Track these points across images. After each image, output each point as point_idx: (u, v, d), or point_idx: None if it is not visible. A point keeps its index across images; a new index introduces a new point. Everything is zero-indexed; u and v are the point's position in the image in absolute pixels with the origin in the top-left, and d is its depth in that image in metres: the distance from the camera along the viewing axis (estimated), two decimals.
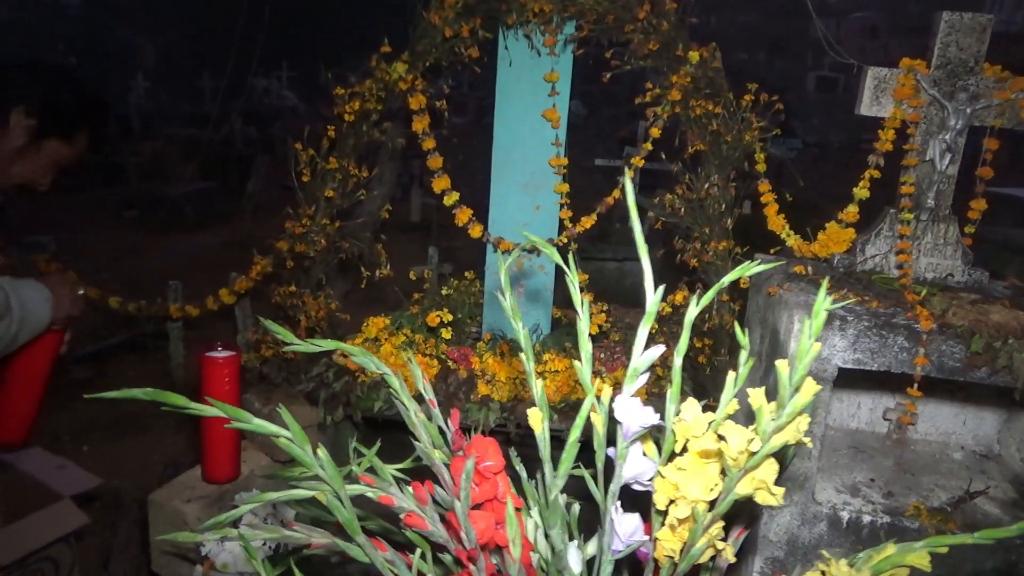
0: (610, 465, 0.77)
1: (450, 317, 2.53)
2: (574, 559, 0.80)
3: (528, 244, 0.82)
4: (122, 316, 3.04)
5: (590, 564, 0.80)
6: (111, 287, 2.99)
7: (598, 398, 0.74)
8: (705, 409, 0.69)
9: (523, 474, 0.83)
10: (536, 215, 2.51)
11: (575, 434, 0.74)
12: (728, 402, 0.70)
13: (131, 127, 11.34)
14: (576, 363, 0.77)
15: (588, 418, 0.74)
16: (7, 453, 2.18)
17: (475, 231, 2.46)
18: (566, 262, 0.79)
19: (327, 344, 0.78)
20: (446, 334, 2.48)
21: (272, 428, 0.70)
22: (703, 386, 2.34)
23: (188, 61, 14.51)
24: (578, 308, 0.77)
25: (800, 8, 2.62)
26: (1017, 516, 1.65)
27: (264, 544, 1.60)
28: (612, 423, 0.75)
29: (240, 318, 2.89)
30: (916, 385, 1.64)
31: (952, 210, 1.89)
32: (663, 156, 2.33)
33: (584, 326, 0.77)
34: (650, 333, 0.72)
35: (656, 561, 0.75)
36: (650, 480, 0.74)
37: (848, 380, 1.76)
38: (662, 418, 0.72)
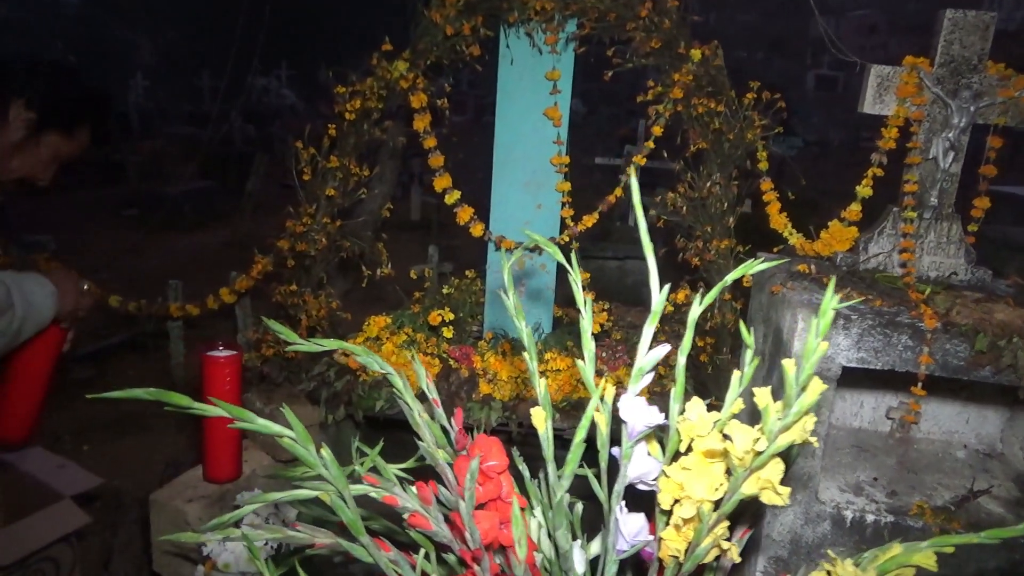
0: (614, 464, 0.76)
1: (451, 316, 2.52)
2: (578, 559, 0.79)
3: (531, 243, 0.81)
4: (122, 315, 3.04)
5: (594, 564, 0.80)
6: (111, 286, 2.99)
7: (602, 398, 0.74)
8: (708, 408, 0.69)
9: (526, 474, 0.83)
10: (538, 213, 2.51)
11: (580, 435, 0.73)
12: (733, 401, 0.69)
13: (131, 126, 11.33)
14: (579, 362, 0.76)
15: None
16: (9, 452, 2.18)
17: (476, 230, 2.45)
18: (569, 261, 0.79)
19: (330, 343, 0.78)
20: (447, 333, 2.48)
21: (276, 428, 0.70)
22: (705, 385, 2.34)
23: (188, 60, 14.51)
24: (581, 307, 0.77)
25: (799, 7, 2.62)
26: (1020, 515, 1.65)
27: (266, 544, 1.59)
28: (615, 422, 0.74)
29: (240, 317, 2.89)
30: (920, 384, 1.64)
31: (955, 208, 1.88)
32: (665, 154, 2.33)
33: (587, 325, 0.77)
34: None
35: (660, 561, 0.75)
36: (654, 480, 0.73)
37: (851, 379, 1.76)
38: (666, 417, 0.72)
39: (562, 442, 0.74)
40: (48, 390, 1.62)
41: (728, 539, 0.71)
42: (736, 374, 0.70)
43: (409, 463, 0.83)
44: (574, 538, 0.81)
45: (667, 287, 0.72)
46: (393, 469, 0.78)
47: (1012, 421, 1.93)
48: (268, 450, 2.18)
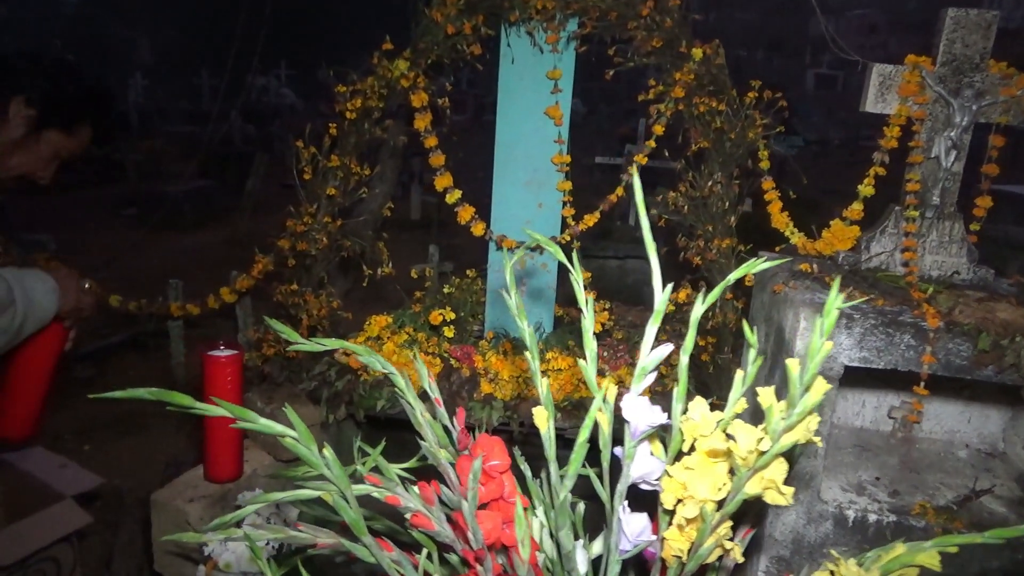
0: (616, 464, 0.76)
1: (452, 315, 2.52)
2: (580, 559, 0.79)
3: (532, 242, 0.81)
4: (123, 315, 3.04)
5: (596, 564, 0.80)
6: (111, 285, 2.99)
7: (604, 398, 0.74)
8: (709, 408, 0.69)
9: (528, 473, 0.83)
10: (539, 213, 2.51)
11: (584, 435, 0.73)
12: (737, 401, 0.69)
13: (130, 125, 11.34)
14: (581, 362, 0.76)
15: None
16: (11, 450, 2.17)
17: (477, 229, 2.45)
18: (570, 260, 0.79)
19: (331, 343, 0.77)
20: (448, 332, 2.48)
21: (278, 428, 0.70)
22: (706, 384, 2.34)
23: (187, 59, 14.50)
24: (582, 306, 0.76)
25: (799, 6, 2.63)
26: (1023, 514, 1.65)
27: (268, 544, 1.59)
28: (617, 422, 0.74)
29: (241, 317, 2.89)
30: (923, 383, 1.64)
31: (957, 207, 1.88)
32: (666, 153, 2.33)
33: (589, 324, 0.77)
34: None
35: (663, 561, 0.74)
36: (657, 479, 0.73)
37: (853, 378, 1.76)
38: (669, 417, 0.72)
39: (564, 441, 0.74)
40: (50, 388, 1.61)
41: (731, 539, 0.71)
42: (739, 373, 0.70)
43: (411, 463, 0.83)
44: (576, 538, 0.81)
45: (670, 286, 0.72)
46: (395, 469, 0.78)
47: (1014, 420, 1.93)
48: (269, 450, 2.18)
